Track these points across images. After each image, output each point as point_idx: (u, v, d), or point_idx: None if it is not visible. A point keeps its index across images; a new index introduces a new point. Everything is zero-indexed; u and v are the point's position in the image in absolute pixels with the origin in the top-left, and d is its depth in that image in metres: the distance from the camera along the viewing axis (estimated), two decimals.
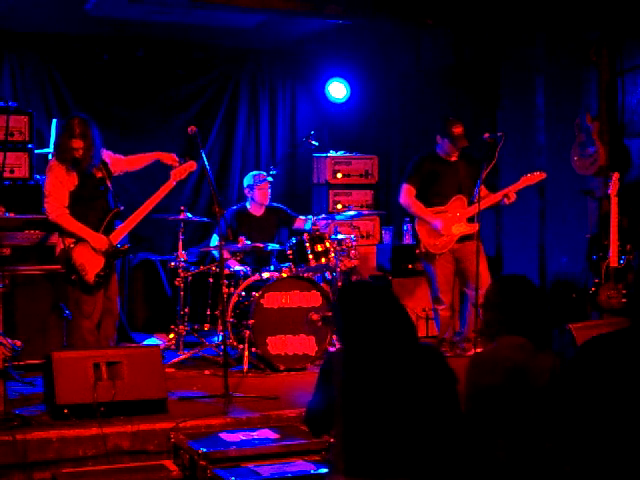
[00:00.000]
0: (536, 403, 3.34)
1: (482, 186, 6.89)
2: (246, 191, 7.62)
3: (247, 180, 7.63)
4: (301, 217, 7.71)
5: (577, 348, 3.52)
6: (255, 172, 7.70)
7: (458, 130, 6.89)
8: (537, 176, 6.96)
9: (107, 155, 6.11)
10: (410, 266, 8.07)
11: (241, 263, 7.38)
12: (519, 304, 3.54)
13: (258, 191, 7.54)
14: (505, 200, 6.94)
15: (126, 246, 6.04)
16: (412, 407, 3.25)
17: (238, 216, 7.53)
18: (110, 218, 5.96)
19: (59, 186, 5.82)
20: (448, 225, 6.94)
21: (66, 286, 5.95)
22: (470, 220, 6.97)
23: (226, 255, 7.17)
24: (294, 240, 6.94)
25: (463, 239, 6.98)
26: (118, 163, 6.19)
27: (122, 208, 6.04)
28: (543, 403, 3.33)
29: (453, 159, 7.03)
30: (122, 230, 6.02)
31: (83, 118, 5.89)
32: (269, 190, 7.59)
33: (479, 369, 3.50)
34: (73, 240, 5.82)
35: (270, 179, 7.56)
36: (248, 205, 7.62)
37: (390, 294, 3.53)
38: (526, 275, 3.70)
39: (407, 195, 7.03)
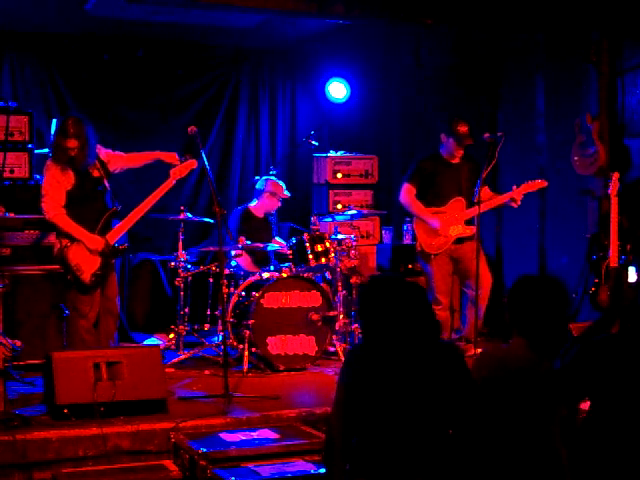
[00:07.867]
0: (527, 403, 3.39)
1: (485, 187, 6.90)
2: (256, 192, 7.59)
3: (262, 184, 7.57)
4: (276, 239, 7.69)
5: (576, 348, 3.51)
6: (279, 182, 7.59)
7: (464, 129, 6.92)
8: (538, 184, 7.00)
9: (106, 154, 6.09)
10: (410, 266, 8.07)
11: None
12: (526, 307, 3.45)
13: (270, 200, 7.52)
14: (512, 204, 6.94)
15: (124, 245, 6.02)
16: (426, 403, 3.25)
17: (242, 218, 7.51)
18: (107, 218, 5.94)
19: (56, 185, 5.81)
20: (446, 225, 6.94)
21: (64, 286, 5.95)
22: (468, 222, 6.97)
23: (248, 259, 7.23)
24: (294, 240, 6.94)
25: (462, 240, 6.98)
26: (118, 160, 6.16)
27: (119, 208, 6.03)
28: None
29: (455, 161, 7.04)
30: (119, 229, 6.00)
31: (77, 118, 5.88)
32: (280, 203, 7.60)
33: (480, 363, 3.58)
34: (68, 240, 5.81)
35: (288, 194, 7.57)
36: (252, 204, 7.60)
37: (420, 289, 3.49)
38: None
39: (407, 194, 7.04)
